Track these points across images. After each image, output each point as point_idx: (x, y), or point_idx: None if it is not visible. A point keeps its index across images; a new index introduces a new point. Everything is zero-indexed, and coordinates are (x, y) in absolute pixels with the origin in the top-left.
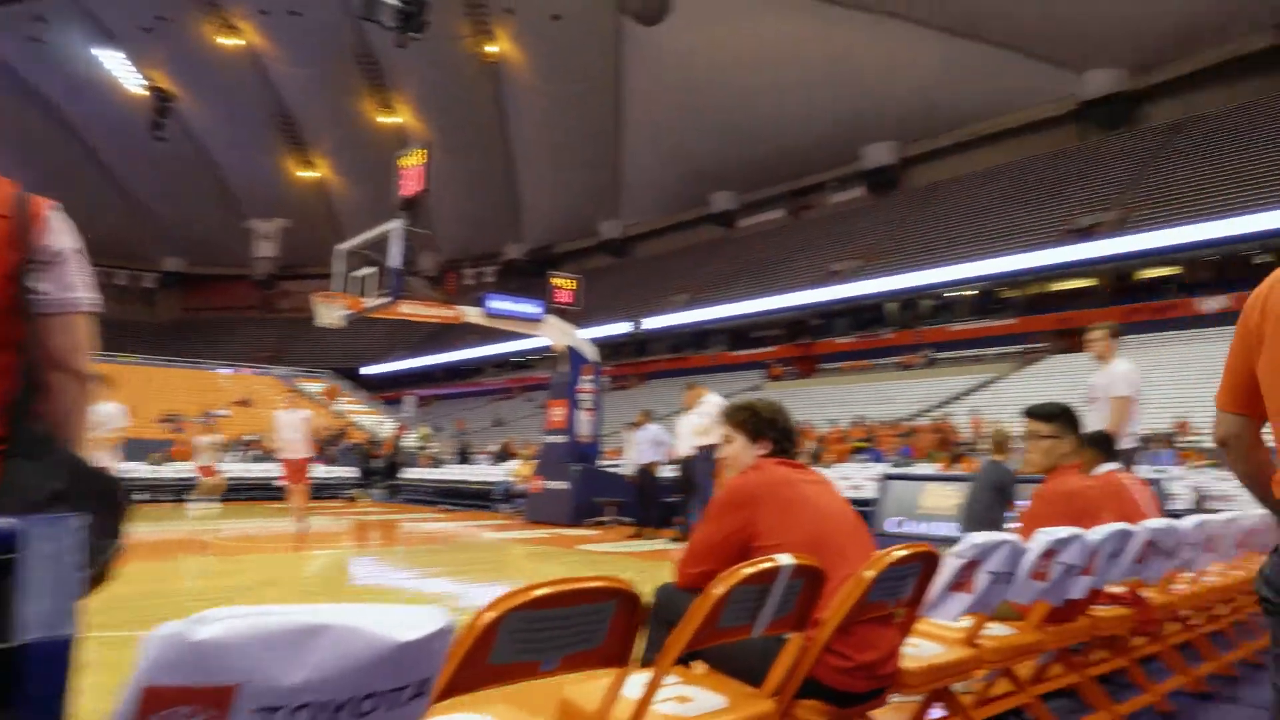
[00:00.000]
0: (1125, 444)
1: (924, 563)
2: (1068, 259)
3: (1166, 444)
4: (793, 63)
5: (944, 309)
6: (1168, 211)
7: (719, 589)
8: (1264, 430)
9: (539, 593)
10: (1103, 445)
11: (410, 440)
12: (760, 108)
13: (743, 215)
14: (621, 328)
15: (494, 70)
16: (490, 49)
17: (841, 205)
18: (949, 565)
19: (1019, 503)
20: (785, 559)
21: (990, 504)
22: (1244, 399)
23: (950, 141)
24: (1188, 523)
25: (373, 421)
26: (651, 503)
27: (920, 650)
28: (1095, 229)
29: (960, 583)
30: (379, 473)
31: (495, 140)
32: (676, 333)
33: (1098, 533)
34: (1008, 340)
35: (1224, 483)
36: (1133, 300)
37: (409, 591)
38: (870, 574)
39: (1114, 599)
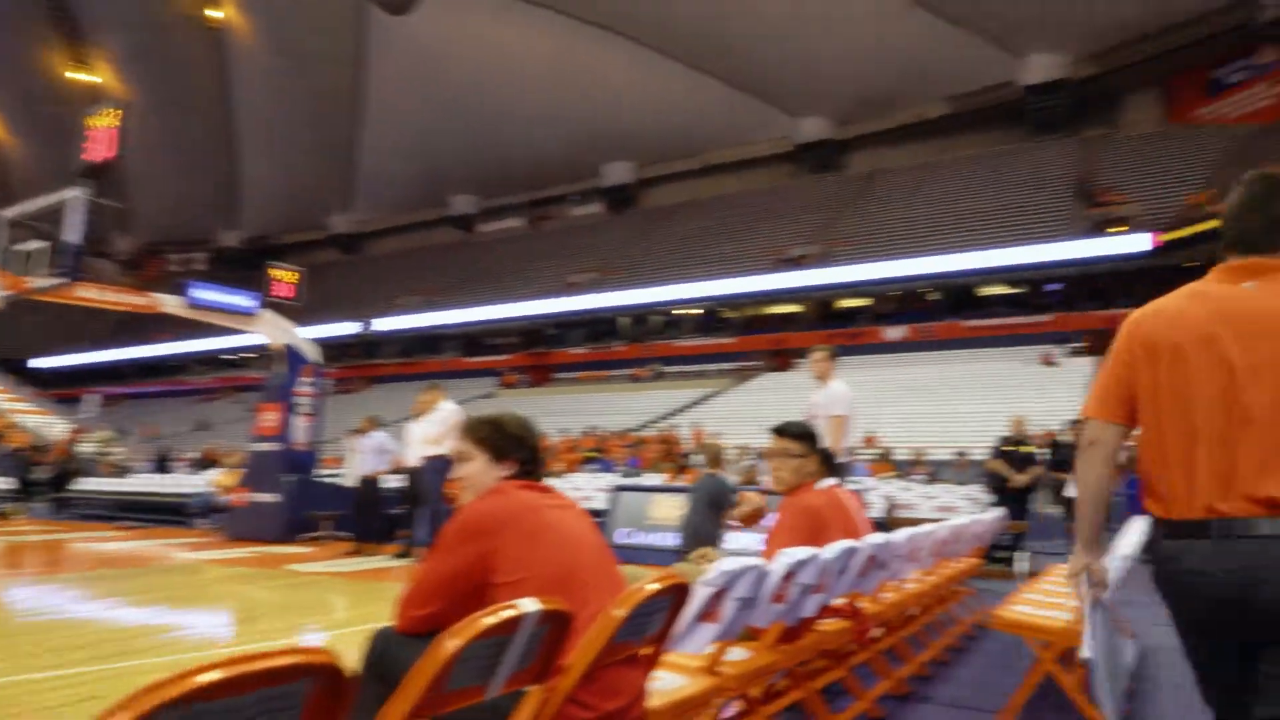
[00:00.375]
0: (840, 459)
1: (675, 595)
2: (779, 286)
3: (886, 459)
4: (542, 73)
5: (672, 325)
6: (862, 249)
7: (451, 643)
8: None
9: (202, 680)
10: (826, 461)
11: (88, 445)
12: (507, 114)
13: (483, 220)
14: (349, 328)
15: (217, 37)
16: (213, 13)
17: (581, 219)
18: (699, 595)
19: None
20: (530, 605)
21: (706, 517)
22: (1122, 411)
23: (684, 167)
24: (900, 536)
25: (40, 423)
26: (373, 516)
27: (664, 684)
28: (803, 260)
29: (709, 612)
30: (43, 483)
31: (214, 114)
32: (408, 336)
33: (830, 551)
34: (727, 358)
35: (907, 492)
36: (833, 326)
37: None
38: (620, 613)
39: (835, 612)
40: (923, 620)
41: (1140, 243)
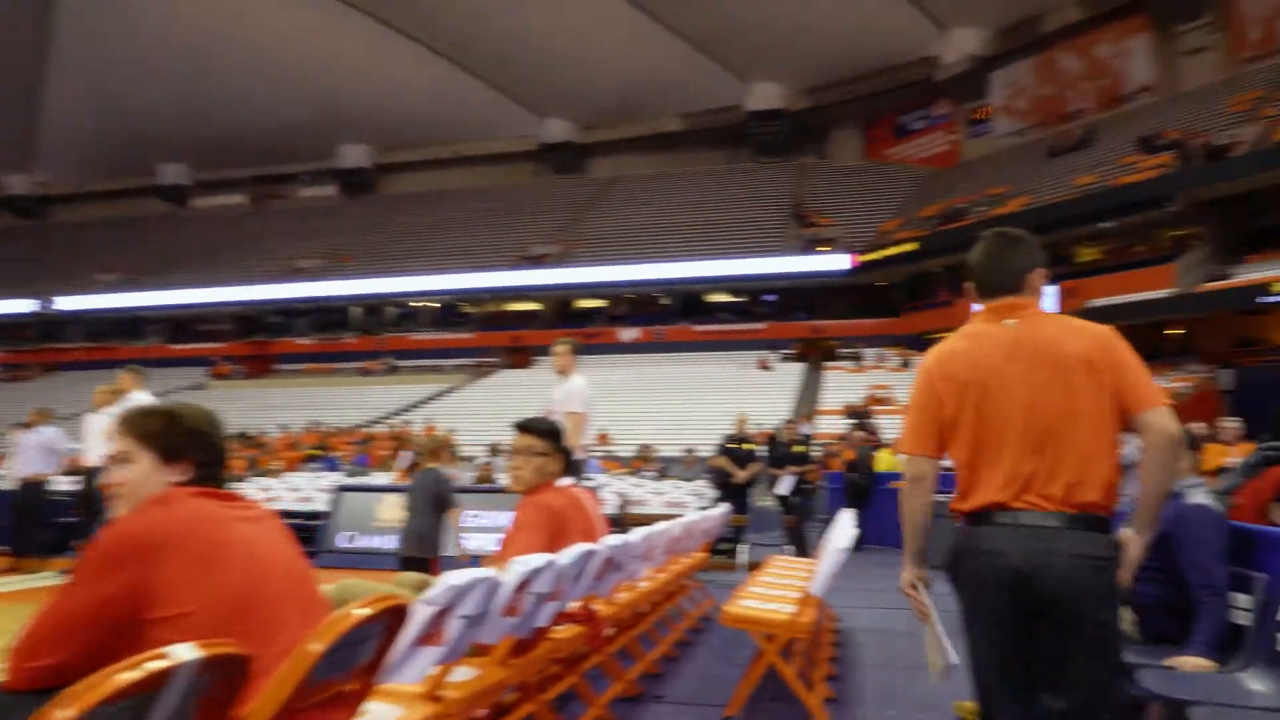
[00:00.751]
0: (576, 457)
1: (389, 619)
2: (519, 283)
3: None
4: (271, 40)
5: (408, 318)
6: (600, 252)
7: (63, 713)
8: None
9: None
10: (565, 460)
11: None
12: (228, 79)
13: (198, 194)
14: (24, 305)
15: None
16: None
17: (312, 200)
18: (419, 615)
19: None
20: (186, 653)
21: (427, 516)
22: (934, 444)
23: (427, 156)
24: (637, 536)
25: None
26: (37, 525)
27: (375, 718)
28: (543, 259)
29: (430, 634)
30: None
31: None
32: (102, 317)
33: (568, 556)
34: (465, 353)
35: (639, 489)
36: (571, 325)
37: None
38: (317, 647)
39: (570, 617)
40: (654, 617)
41: (841, 262)
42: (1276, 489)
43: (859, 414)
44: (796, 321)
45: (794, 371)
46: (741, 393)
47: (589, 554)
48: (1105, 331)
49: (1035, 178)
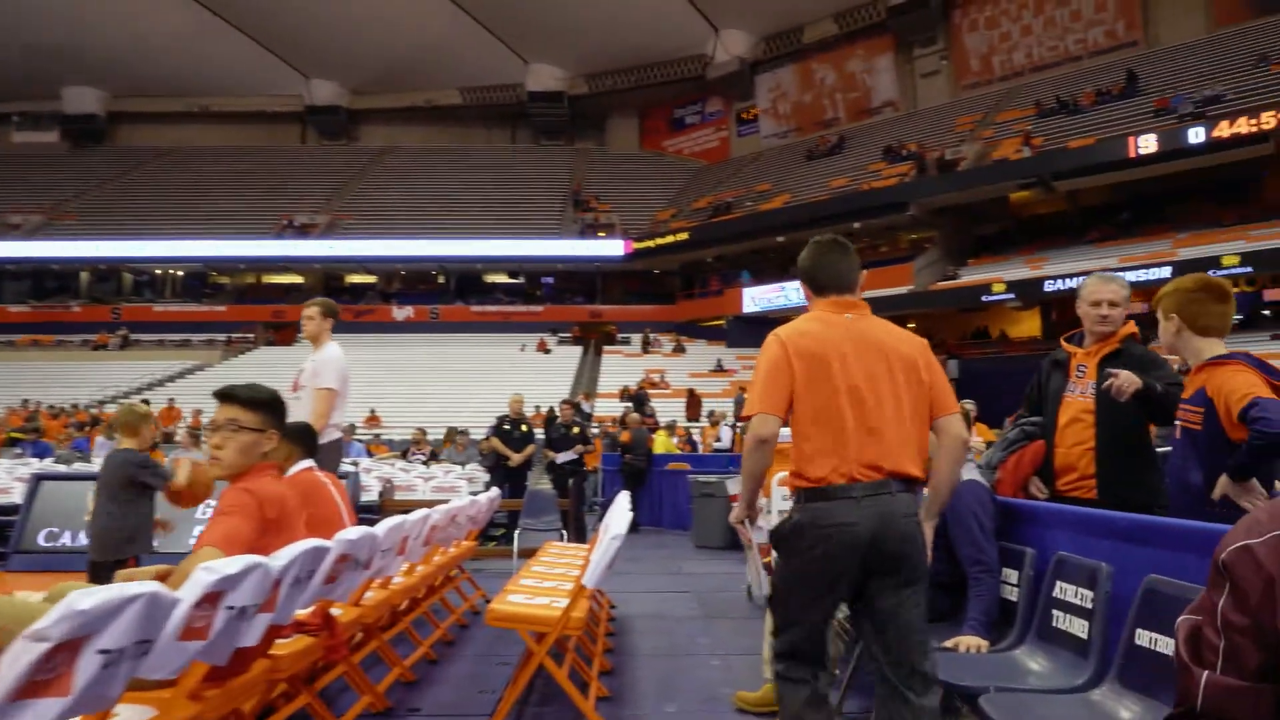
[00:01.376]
0: (328, 437)
1: None
2: (280, 253)
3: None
4: None
5: (148, 286)
6: (372, 224)
7: None
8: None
9: None
10: (304, 439)
11: None
12: None
13: None
14: None
15: None
16: None
17: (29, 147)
18: (20, 657)
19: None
20: None
21: (119, 506)
22: (783, 408)
23: (174, 108)
24: (382, 528)
25: None
26: None
27: None
28: (308, 228)
29: (44, 681)
30: None
31: None
32: None
33: (283, 557)
34: (217, 327)
35: (406, 474)
36: (339, 301)
37: None
38: None
39: (299, 627)
40: (414, 616)
41: (617, 248)
42: (1035, 463)
43: (636, 397)
44: (575, 305)
45: (572, 355)
46: (519, 375)
47: (316, 552)
48: (925, 342)
49: (795, 178)
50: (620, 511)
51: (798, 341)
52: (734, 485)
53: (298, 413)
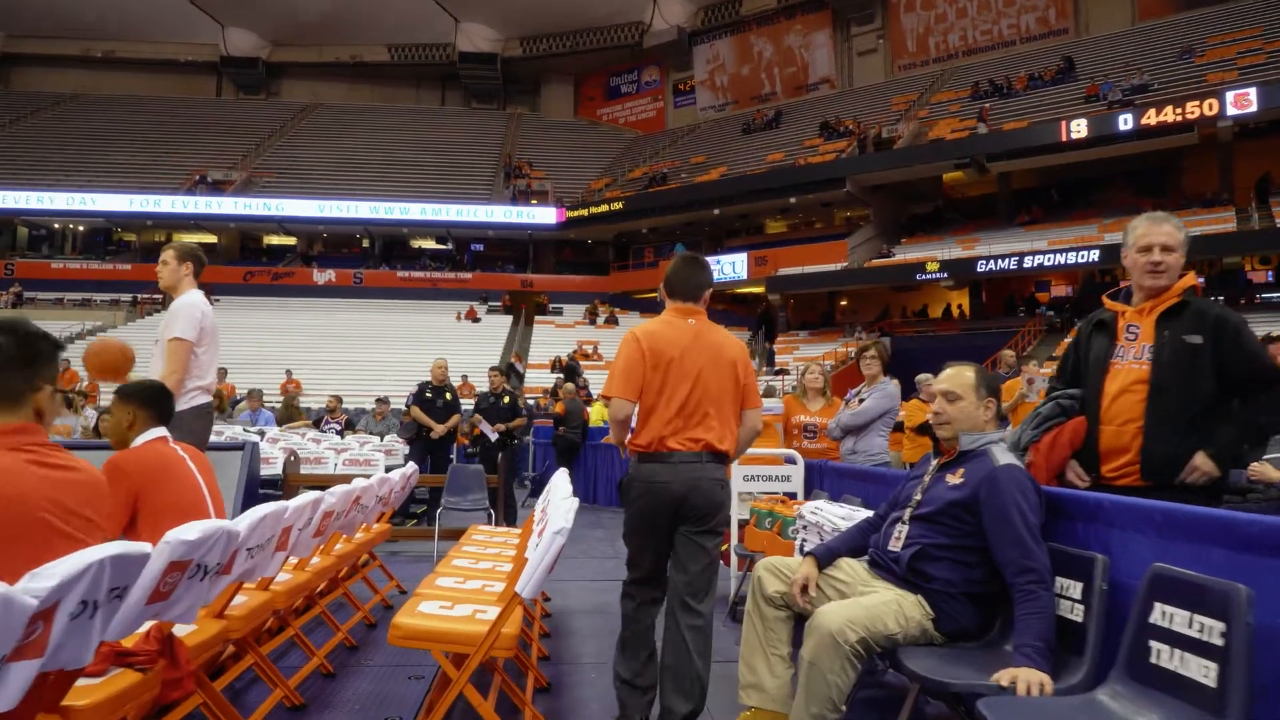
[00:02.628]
0: (191, 401)
1: None
2: (193, 210)
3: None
4: None
5: (46, 241)
6: (291, 183)
7: None
8: None
9: None
10: (151, 401)
11: None
12: None
13: None
14: None
15: None
16: None
17: None
18: None
19: None
20: None
21: None
22: (636, 393)
23: (73, 52)
24: (243, 522)
25: None
26: None
27: None
28: (223, 185)
29: None
30: None
31: None
32: None
33: (46, 577)
34: (121, 287)
35: (318, 445)
36: (255, 263)
37: None
38: None
39: (121, 658)
40: (304, 620)
41: (549, 215)
42: (1075, 444)
43: (568, 368)
44: (506, 274)
45: (503, 324)
46: (447, 344)
47: (122, 563)
48: (744, 346)
49: (732, 150)
50: (561, 498)
51: (650, 340)
52: None
53: (152, 370)
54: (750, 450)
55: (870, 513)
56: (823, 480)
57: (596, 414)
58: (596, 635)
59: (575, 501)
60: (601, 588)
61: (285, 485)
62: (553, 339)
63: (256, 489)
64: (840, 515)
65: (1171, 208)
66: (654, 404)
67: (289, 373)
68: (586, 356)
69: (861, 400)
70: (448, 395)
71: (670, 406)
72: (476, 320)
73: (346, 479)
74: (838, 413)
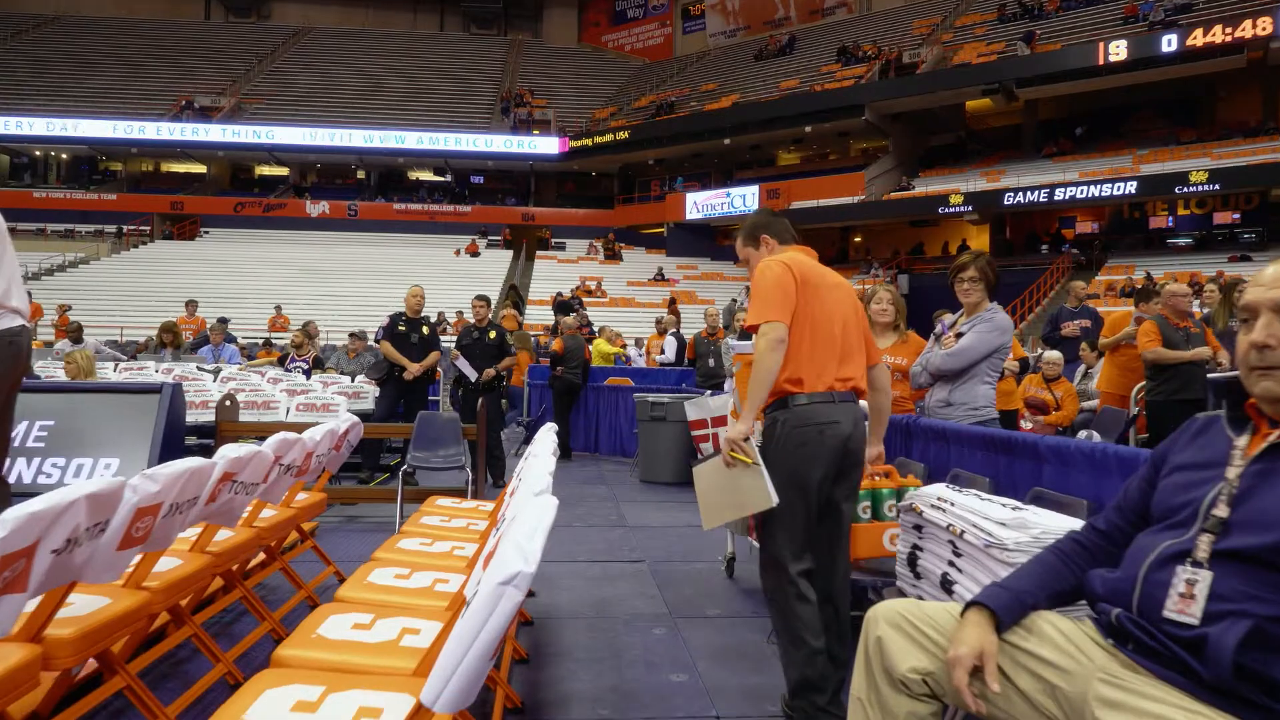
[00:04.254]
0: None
1: None
2: (180, 138)
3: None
4: None
5: (28, 170)
6: (282, 110)
7: None
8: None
9: None
10: None
11: None
12: None
13: None
14: None
15: None
16: None
17: None
18: None
19: None
20: None
21: None
22: (790, 318)
23: None
24: (22, 515)
25: None
26: None
27: None
28: (211, 112)
29: None
30: None
31: None
32: None
33: None
34: (107, 218)
35: (274, 387)
36: (245, 193)
37: None
38: None
39: None
40: (176, 638)
41: (552, 145)
42: None
43: (562, 304)
44: (507, 207)
45: (503, 259)
46: (445, 279)
47: None
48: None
49: (743, 78)
50: (534, 490)
51: (796, 267)
52: (694, 409)
53: None
54: None
55: (1056, 523)
56: (908, 445)
57: (601, 351)
58: (591, 659)
59: (553, 503)
60: (607, 573)
61: (218, 435)
62: (555, 274)
63: (180, 439)
64: (994, 516)
65: (1214, 136)
66: (806, 335)
67: (278, 308)
68: (590, 293)
69: (960, 335)
70: (425, 329)
71: (826, 343)
72: (476, 255)
73: (298, 428)
74: (925, 351)
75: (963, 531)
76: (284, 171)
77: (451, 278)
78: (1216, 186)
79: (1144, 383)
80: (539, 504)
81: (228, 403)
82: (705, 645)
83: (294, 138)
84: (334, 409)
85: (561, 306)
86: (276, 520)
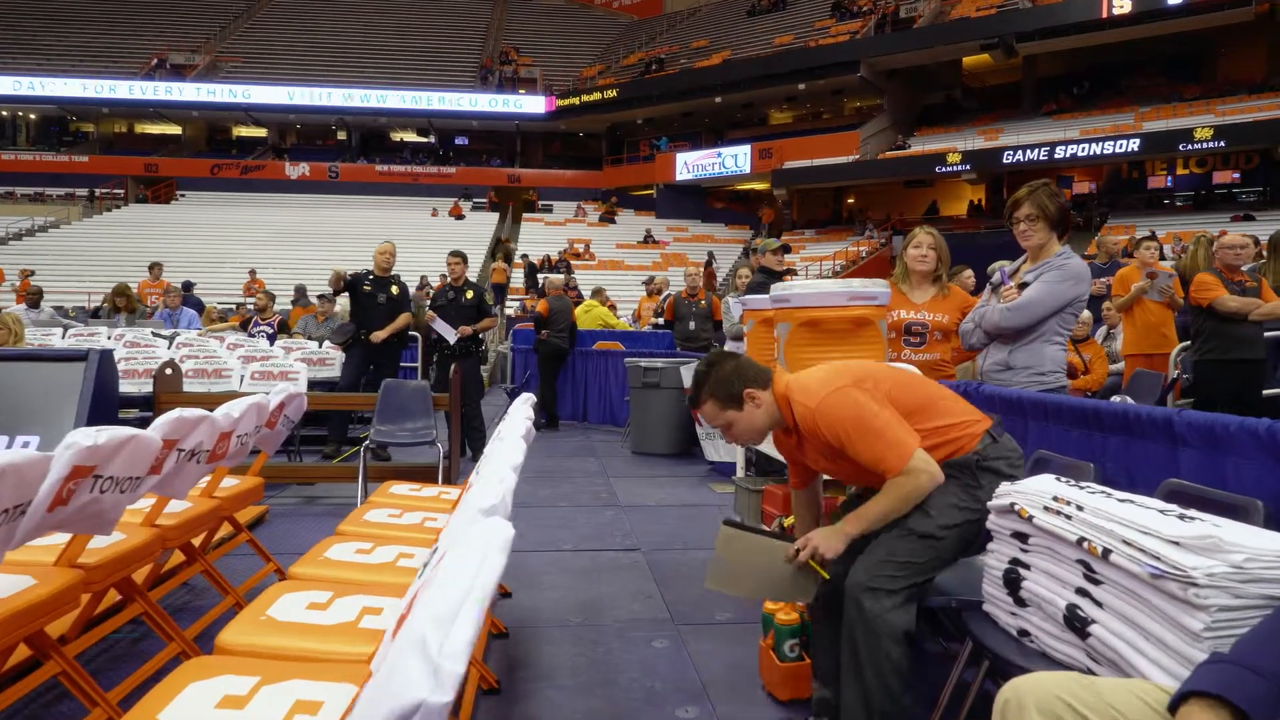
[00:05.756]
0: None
1: None
2: (153, 97)
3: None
4: None
5: None
6: (260, 69)
7: None
8: None
9: None
10: None
11: None
12: None
13: None
14: None
15: None
16: None
17: None
18: None
19: None
20: None
21: None
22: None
23: None
24: None
25: None
26: None
27: None
28: (185, 70)
29: None
30: None
31: None
32: None
33: None
34: (78, 180)
35: (233, 352)
36: (222, 155)
37: None
38: None
39: None
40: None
41: (538, 105)
42: None
43: (528, 267)
44: (492, 168)
45: (488, 221)
46: (429, 243)
47: None
48: None
49: (735, 34)
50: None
51: (860, 376)
52: (690, 374)
53: None
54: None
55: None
56: None
57: (592, 315)
58: (590, 686)
59: (505, 534)
60: (596, 565)
61: (156, 406)
62: (542, 237)
63: (112, 409)
64: (1157, 529)
65: (1217, 93)
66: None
67: (253, 272)
68: (578, 255)
69: (1024, 286)
70: (394, 288)
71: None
72: (461, 217)
73: (209, 403)
74: (978, 305)
75: (1106, 551)
76: (262, 133)
77: (435, 241)
78: (1221, 143)
79: (1185, 343)
80: (481, 540)
81: (168, 370)
82: (717, 664)
83: (272, 97)
84: (294, 376)
85: (528, 270)
86: (188, 516)
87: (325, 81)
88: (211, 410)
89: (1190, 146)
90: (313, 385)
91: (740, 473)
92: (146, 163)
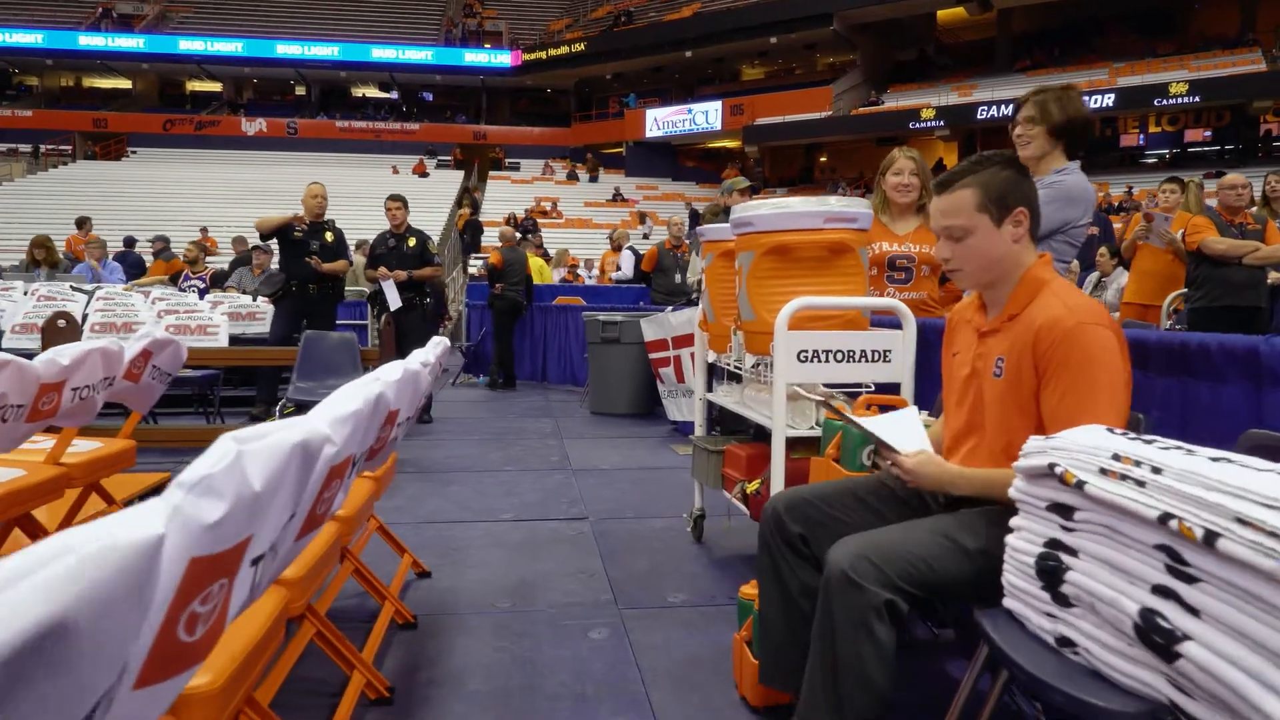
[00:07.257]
0: None
1: None
2: (100, 47)
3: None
4: None
5: None
6: (212, 19)
7: None
8: None
9: None
10: None
11: None
12: None
13: None
14: None
15: None
16: None
17: None
18: None
19: None
20: None
21: None
22: None
23: None
24: None
25: None
26: None
27: None
28: (133, 20)
29: None
30: None
31: None
32: None
33: None
34: (22, 136)
35: (150, 307)
36: (175, 110)
37: None
38: None
39: None
40: None
41: (504, 59)
42: None
43: (470, 223)
44: (457, 125)
45: (453, 179)
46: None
47: None
48: None
49: None
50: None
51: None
52: (652, 327)
53: None
54: (810, 300)
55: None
56: None
57: (541, 270)
58: (507, 692)
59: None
60: (535, 537)
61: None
62: (508, 195)
63: None
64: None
65: (1191, 48)
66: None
67: (204, 230)
68: (545, 214)
69: None
70: (328, 235)
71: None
72: (425, 175)
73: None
74: None
75: (1211, 534)
76: (217, 87)
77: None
78: (1197, 99)
79: (1179, 291)
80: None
81: (61, 322)
82: (664, 656)
83: (225, 49)
84: (213, 331)
85: (469, 227)
86: (16, 487)
87: (282, 34)
88: None
89: (1165, 102)
90: (243, 342)
91: (699, 432)
92: (95, 118)
